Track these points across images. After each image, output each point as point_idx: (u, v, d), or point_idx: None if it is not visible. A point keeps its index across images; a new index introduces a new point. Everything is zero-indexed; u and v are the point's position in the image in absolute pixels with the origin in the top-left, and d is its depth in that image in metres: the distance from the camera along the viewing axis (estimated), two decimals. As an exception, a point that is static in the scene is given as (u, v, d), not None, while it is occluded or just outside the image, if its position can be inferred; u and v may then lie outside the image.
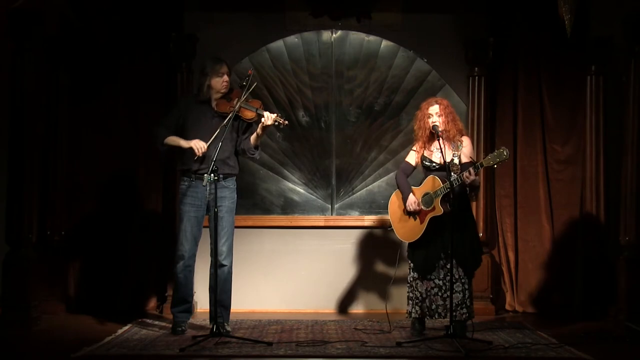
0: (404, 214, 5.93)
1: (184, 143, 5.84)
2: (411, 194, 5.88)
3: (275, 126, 5.84)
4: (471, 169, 5.62)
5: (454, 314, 5.66)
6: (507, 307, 7.07)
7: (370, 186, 7.30)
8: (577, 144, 7.03)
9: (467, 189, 5.87)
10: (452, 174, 5.61)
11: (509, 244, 7.10)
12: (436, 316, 5.87)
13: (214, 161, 5.57)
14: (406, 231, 5.92)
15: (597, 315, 6.71)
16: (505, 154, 5.61)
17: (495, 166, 5.68)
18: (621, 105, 6.51)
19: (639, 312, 6.07)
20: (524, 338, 5.83)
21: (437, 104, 5.91)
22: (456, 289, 5.71)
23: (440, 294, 5.83)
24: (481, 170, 5.82)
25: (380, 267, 7.11)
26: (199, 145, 5.76)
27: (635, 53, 6.24)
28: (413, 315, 5.94)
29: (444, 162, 5.70)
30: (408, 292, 5.99)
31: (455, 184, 5.63)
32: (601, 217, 6.89)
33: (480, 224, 6.97)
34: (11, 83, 6.31)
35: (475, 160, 5.90)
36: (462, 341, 5.44)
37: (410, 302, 5.95)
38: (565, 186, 7.04)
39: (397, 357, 5.31)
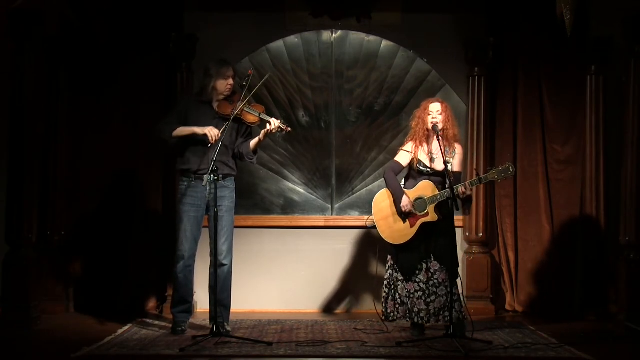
0: (392, 214, 5.88)
1: (198, 130, 5.79)
2: (404, 195, 5.84)
3: (278, 132, 5.83)
4: (467, 184, 5.64)
5: (438, 318, 5.71)
6: (507, 307, 7.07)
7: (370, 186, 7.30)
8: (577, 144, 7.03)
9: (461, 202, 5.78)
10: (448, 181, 5.60)
11: (509, 244, 7.09)
12: (416, 319, 5.83)
13: (214, 161, 5.57)
14: (393, 232, 5.87)
15: (597, 315, 6.73)
16: (511, 170, 5.61)
17: (499, 181, 5.69)
18: (621, 105, 6.51)
19: (639, 312, 6.08)
20: (524, 338, 5.84)
21: (439, 102, 5.91)
22: (439, 293, 5.73)
23: (423, 297, 5.80)
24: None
25: (380, 267, 7.10)
26: (213, 133, 5.74)
27: (635, 53, 6.25)
28: (392, 317, 5.89)
29: (445, 164, 5.68)
30: (385, 292, 5.94)
31: (454, 192, 5.60)
32: (601, 217, 6.89)
33: (480, 224, 6.99)
34: (11, 83, 6.32)
35: (459, 170, 5.87)
36: (462, 341, 5.44)
37: (390, 303, 5.90)
38: (565, 186, 7.04)
39: (397, 357, 5.31)
